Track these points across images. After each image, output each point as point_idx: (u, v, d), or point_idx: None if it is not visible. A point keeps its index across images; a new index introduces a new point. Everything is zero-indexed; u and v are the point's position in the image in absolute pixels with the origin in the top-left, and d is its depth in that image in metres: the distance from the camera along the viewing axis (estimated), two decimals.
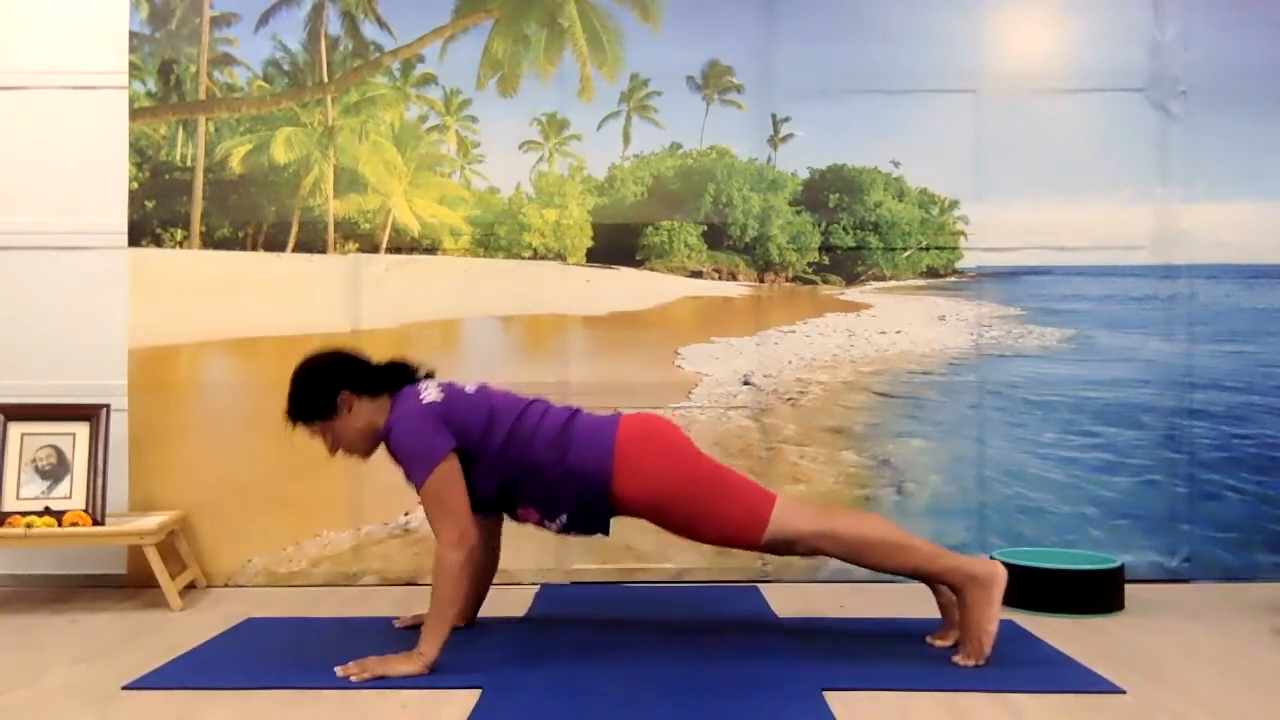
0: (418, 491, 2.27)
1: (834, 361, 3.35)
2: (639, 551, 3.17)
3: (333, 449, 2.37)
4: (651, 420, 2.39)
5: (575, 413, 2.37)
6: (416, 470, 2.22)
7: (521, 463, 2.27)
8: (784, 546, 2.30)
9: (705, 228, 3.37)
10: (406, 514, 3.17)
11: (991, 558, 2.44)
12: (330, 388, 2.31)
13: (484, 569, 2.58)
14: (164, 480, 3.18)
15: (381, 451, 2.34)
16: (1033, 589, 2.77)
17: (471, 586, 2.57)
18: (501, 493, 2.31)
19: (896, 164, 3.36)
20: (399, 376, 2.37)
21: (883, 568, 2.32)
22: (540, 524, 2.38)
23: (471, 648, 2.34)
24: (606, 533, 2.40)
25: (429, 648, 2.15)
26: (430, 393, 2.29)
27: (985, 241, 3.36)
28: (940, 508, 3.23)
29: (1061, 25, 3.34)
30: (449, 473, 2.22)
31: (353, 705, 2.00)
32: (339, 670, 2.14)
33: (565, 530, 2.38)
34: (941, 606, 2.41)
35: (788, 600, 2.89)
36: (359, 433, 2.33)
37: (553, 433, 2.29)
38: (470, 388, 2.36)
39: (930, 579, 2.35)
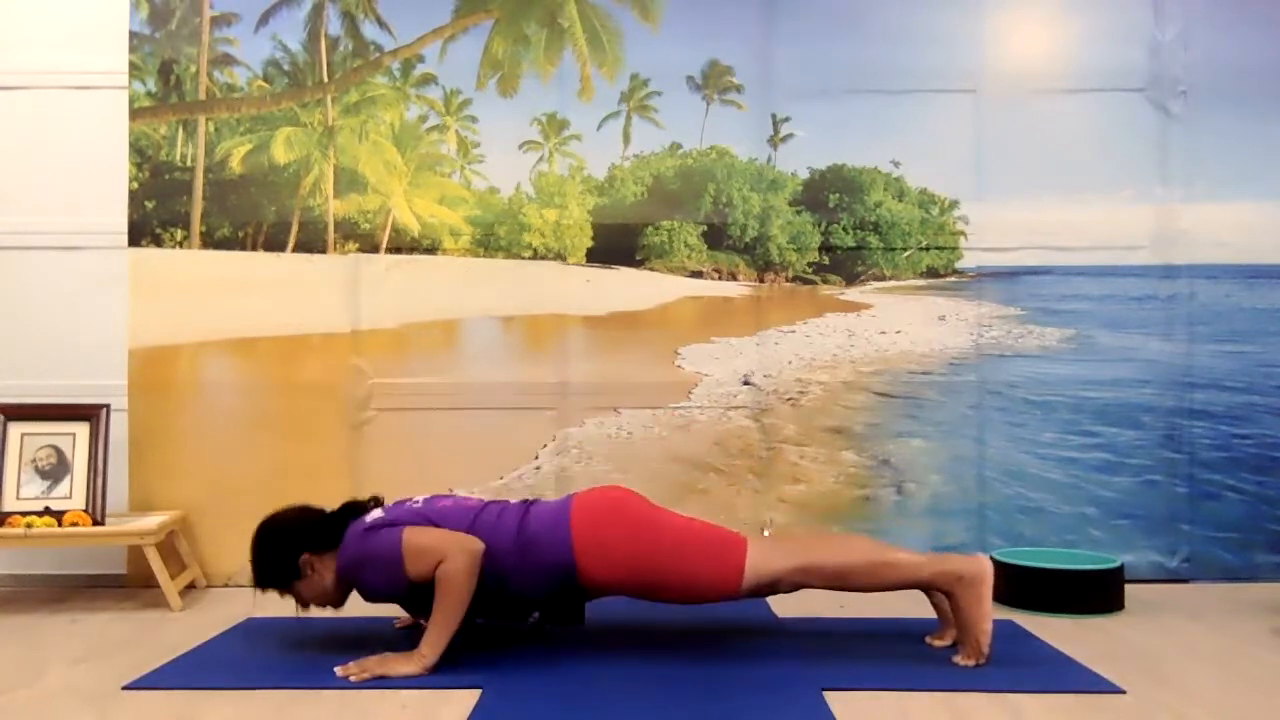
0: (400, 599, 2.28)
1: (834, 361, 3.35)
2: None
3: (304, 606, 2.35)
4: (605, 495, 2.37)
5: (529, 507, 2.33)
6: (389, 577, 2.20)
7: (487, 574, 2.21)
8: (766, 589, 2.27)
9: (705, 228, 3.37)
10: None
11: (992, 557, 2.44)
12: (290, 554, 2.28)
13: None
14: (164, 480, 3.18)
15: None
16: (1033, 589, 2.78)
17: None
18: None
19: (896, 164, 3.36)
20: (351, 518, 2.33)
21: (870, 589, 2.30)
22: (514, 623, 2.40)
23: (471, 648, 2.34)
24: (582, 623, 2.39)
25: (430, 649, 2.15)
26: (374, 514, 2.29)
27: (985, 241, 3.36)
28: (940, 508, 3.23)
29: (1061, 25, 3.34)
30: (414, 532, 2.21)
31: (353, 705, 2.00)
32: (339, 670, 2.15)
33: (539, 624, 2.39)
34: (937, 608, 2.40)
35: (788, 600, 2.88)
36: (325, 589, 2.30)
37: (510, 535, 2.25)
38: (418, 502, 2.34)
39: (919, 587, 2.34)
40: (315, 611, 2.36)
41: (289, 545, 2.29)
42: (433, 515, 2.28)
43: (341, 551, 2.25)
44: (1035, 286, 3.38)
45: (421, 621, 2.25)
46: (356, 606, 2.85)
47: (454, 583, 2.15)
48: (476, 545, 2.19)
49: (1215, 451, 3.25)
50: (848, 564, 2.26)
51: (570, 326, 3.31)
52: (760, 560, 2.24)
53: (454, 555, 2.16)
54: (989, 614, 2.22)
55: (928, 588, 2.32)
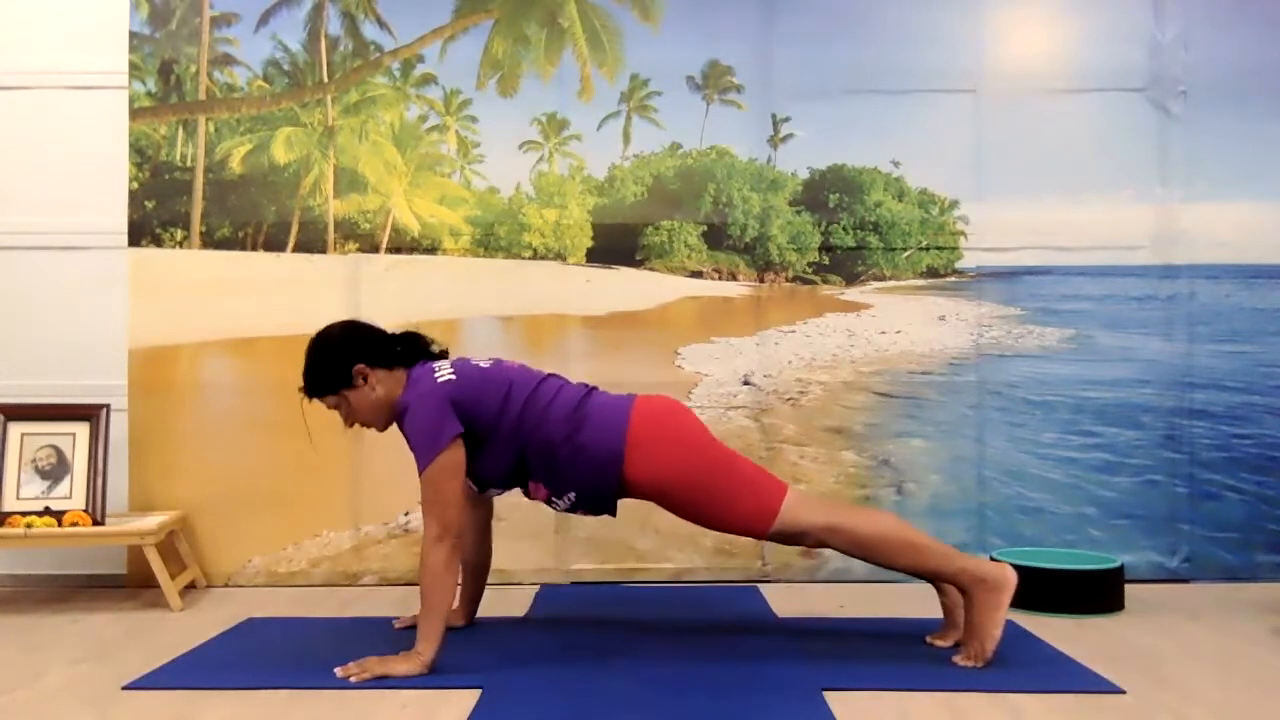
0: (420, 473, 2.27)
1: (834, 361, 3.35)
2: (639, 551, 3.17)
3: (349, 421, 2.36)
4: (666, 403, 2.37)
5: (591, 391, 2.36)
6: (421, 453, 2.21)
7: (535, 438, 2.26)
8: (791, 538, 2.29)
9: (705, 228, 3.37)
10: (406, 514, 3.17)
11: (992, 558, 2.44)
12: (345, 360, 2.29)
13: (478, 566, 2.58)
14: (164, 480, 3.18)
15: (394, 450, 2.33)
16: (1033, 589, 2.77)
17: (467, 584, 2.57)
18: (515, 468, 2.30)
19: (896, 164, 3.36)
20: (413, 349, 2.36)
21: (891, 566, 2.31)
22: (548, 501, 2.36)
23: (471, 648, 2.34)
24: (614, 514, 2.38)
25: (426, 647, 2.16)
26: (445, 372, 2.28)
27: (985, 241, 3.36)
28: (940, 508, 3.23)
29: (1061, 25, 3.34)
30: (450, 461, 2.20)
31: (352, 705, 2.00)
32: (339, 670, 2.14)
33: (573, 509, 2.36)
34: (945, 607, 2.40)
35: (788, 600, 2.89)
36: (375, 405, 2.31)
37: (567, 409, 2.28)
38: (485, 363, 2.35)
39: (939, 579, 2.34)
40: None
41: (345, 352, 2.30)
42: (500, 376, 2.29)
43: (409, 391, 2.25)
44: (1035, 286, 3.38)
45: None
46: (355, 607, 2.86)
47: (435, 578, 2.16)
48: (456, 537, 2.18)
49: (1215, 451, 3.25)
50: (878, 535, 2.26)
51: (570, 326, 3.31)
52: (795, 508, 2.25)
53: (434, 540, 2.15)
54: (1001, 623, 2.22)
55: (948, 581, 2.32)
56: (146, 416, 3.19)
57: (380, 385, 2.30)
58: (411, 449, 2.25)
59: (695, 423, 2.36)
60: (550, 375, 2.39)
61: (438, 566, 2.16)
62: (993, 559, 2.83)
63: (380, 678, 2.11)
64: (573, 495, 2.33)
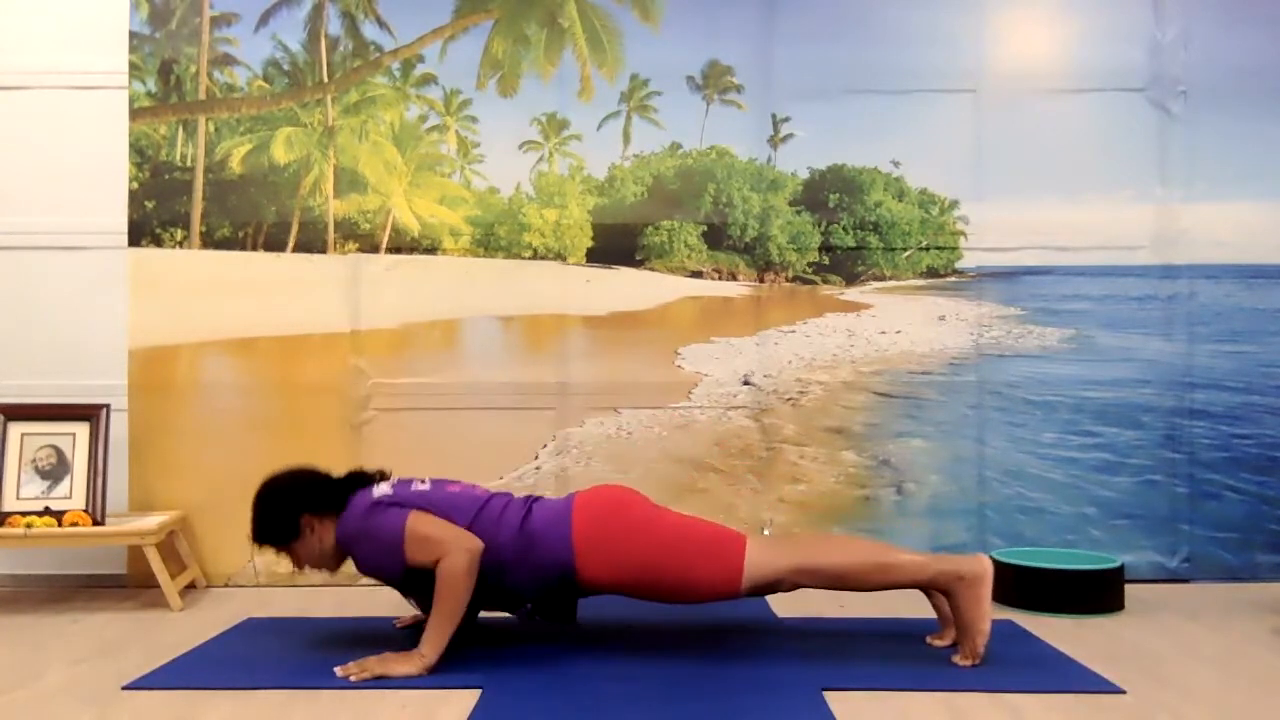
0: (394, 580, 2.27)
1: (834, 361, 3.35)
2: None
3: (299, 566, 2.36)
4: (606, 494, 2.37)
5: (532, 504, 2.34)
6: (388, 557, 2.20)
7: (486, 563, 2.21)
8: (766, 589, 2.27)
9: (705, 228, 3.37)
10: None
11: (991, 557, 2.44)
12: (291, 512, 2.29)
13: None
14: (164, 480, 3.18)
15: None
16: (1033, 589, 2.78)
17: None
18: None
19: (896, 164, 3.36)
20: (357, 486, 2.34)
21: (870, 589, 2.30)
22: (504, 612, 2.40)
23: (471, 648, 2.34)
24: (573, 621, 2.40)
25: (430, 649, 2.15)
26: (381, 489, 2.30)
27: (985, 241, 3.36)
28: (940, 508, 3.23)
29: (1061, 25, 3.34)
30: (418, 519, 2.21)
31: (352, 705, 2.00)
32: (339, 670, 2.15)
33: (530, 615, 2.39)
34: (937, 609, 2.40)
35: (788, 600, 2.88)
36: (323, 552, 2.31)
37: (513, 529, 2.26)
38: (425, 485, 2.34)
39: (919, 588, 2.34)
40: (309, 574, 2.37)
41: (290, 504, 2.30)
42: (440, 501, 2.28)
43: (344, 520, 2.26)
44: (1035, 286, 3.38)
45: (412, 602, 2.25)
46: (357, 607, 2.86)
47: (453, 582, 2.15)
48: (476, 544, 2.19)
49: (1215, 451, 3.25)
50: (848, 564, 2.26)
51: (570, 326, 3.31)
52: (760, 560, 2.24)
53: (454, 553, 2.16)
54: (988, 614, 2.22)
55: (928, 588, 2.32)
56: (146, 416, 3.19)
57: (327, 533, 2.29)
58: (372, 569, 2.26)
59: (637, 503, 2.34)
60: (493, 495, 2.35)
61: (458, 573, 2.16)
62: (993, 559, 2.83)
63: (380, 677, 2.12)
64: (529, 606, 2.36)
